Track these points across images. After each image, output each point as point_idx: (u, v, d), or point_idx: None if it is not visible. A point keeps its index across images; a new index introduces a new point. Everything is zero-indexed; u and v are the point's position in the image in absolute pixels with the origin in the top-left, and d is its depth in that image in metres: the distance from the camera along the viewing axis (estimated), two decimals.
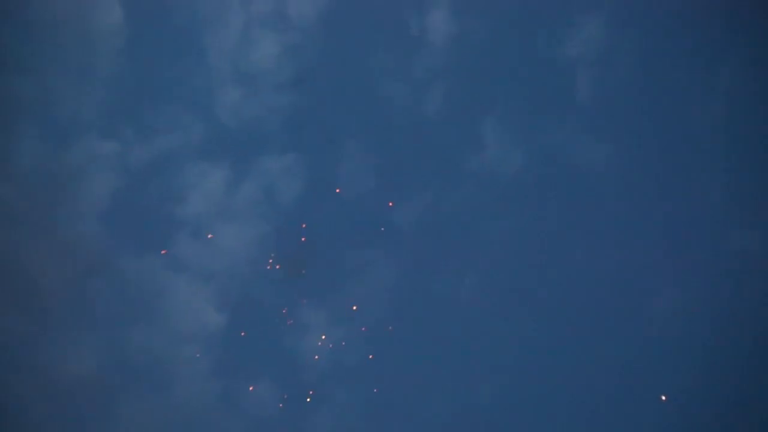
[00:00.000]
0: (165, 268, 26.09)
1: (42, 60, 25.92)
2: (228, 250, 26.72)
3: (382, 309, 26.29)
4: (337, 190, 23.90)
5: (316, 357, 25.30)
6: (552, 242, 26.62)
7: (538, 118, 27.06)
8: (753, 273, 24.84)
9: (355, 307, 24.55)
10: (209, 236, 23.70)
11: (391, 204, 24.11)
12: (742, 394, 23.21)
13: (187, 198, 26.75)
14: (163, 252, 24.54)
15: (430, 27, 27.28)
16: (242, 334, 25.48)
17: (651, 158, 26.64)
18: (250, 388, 24.32)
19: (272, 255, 25.80)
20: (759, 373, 23.23)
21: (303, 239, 24.95)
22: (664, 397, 23.72)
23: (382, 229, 26.81)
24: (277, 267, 25.42)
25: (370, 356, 25.27)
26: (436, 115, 27.36)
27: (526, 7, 27.06)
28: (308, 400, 24.99)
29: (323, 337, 25.33)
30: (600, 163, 26.65)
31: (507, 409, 24.96)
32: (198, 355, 25.18)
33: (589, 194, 26.86)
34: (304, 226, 24.83)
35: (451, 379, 25.53)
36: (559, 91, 27.02)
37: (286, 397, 25.15)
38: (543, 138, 26.93)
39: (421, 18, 27.29)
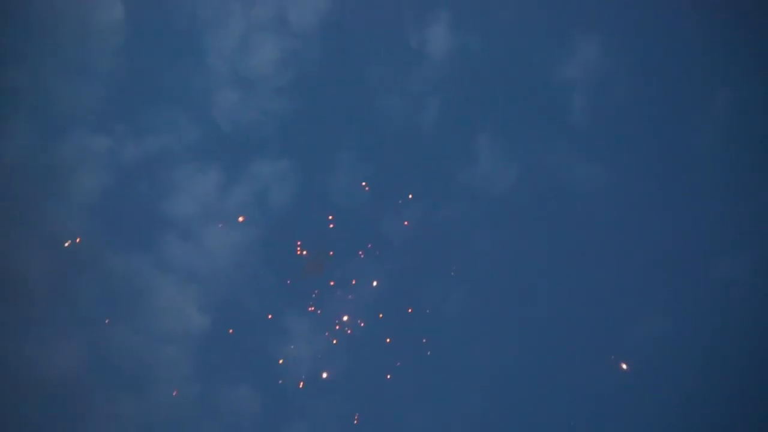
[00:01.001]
0: (151, 268, 25.91)
1: (39, 53, 25.87)
2: (215, 253, 26.60)
3: (370, 319, 26.22)
4: (363, 184, 23.71)
5: (335, 341, 25.12)
6: (539, 260, 26.69)
7: (533, 137, 27.28)
8: (738, 301, 24.98)
9: (362, 292, 24.15)
10: (240, 219, 23.40)
11: (411, 196, 24.04)
12: (726, 420, 23.22)
13: (178, 198, 26.65)
14: (240, 219, 24.12)
15: (430, 40, 27.53)
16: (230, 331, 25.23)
17: (642, 183, 26.85)
18: (280, 361, 23.94)
19: (299, 242, 25.61)
20: (743, 399, 23.27)
21: (331, 226, 24.76)
22: (624, 366, 23.74)
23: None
24: (305, 253, 25.24)
25: (387, 339, 25.04)
26: (432, 127, 27.58)
27: (525, 26, 27.34)
28: (325, 375, 24.73)
29: (344, 319, 25.07)
30: (591, 185, 26.84)
31: (488, 425, 24.83)
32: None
33: (579, 215, 26.97)
34: (330, 217, 24.69)
35: (433, 392, 25.44)
36: (554, 110, 27.25)
37: (305, 377, 24.85)
38: (536, 156, 27.13)
39: (420, 31, 27.54)
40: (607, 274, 25.97)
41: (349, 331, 25.77)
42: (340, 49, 27.72)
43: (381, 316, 26.12)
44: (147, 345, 25.15)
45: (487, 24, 27.55)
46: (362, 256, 26.63)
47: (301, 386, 24.57)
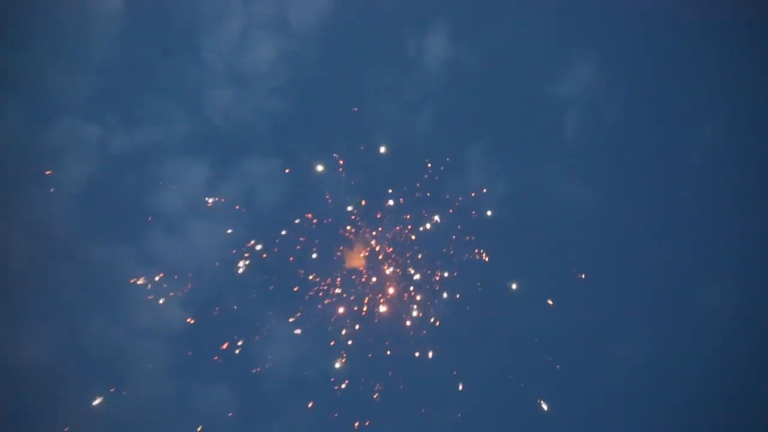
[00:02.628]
0: (133, 261, 25.65)
1: (33, 37, 25.57)
2: (200, 249, 26.35)
3: (351, 324, 26.10)
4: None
5: (362, 305, 24.89)
6: (524, 276, 26.74)
7: (524, 152, 27.47)
8: (717, 325, 25.33)
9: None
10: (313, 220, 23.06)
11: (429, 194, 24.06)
12: None
13: (165, 192, 26.41)
14: (363, 203, 23.71)
15: (427, 50, 27.64)
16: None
17: (629, 206, 27.08)
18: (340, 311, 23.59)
19: (349, 227, 25.47)
20: (721, 418, 23.60)
21: (390, 204, 24.51)
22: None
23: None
24: (366, 237, 25.11)
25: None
26: (424, 136, 27.65)
27: (523, 42, 27.57)
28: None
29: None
30: (579, 205, 27.05)
31: None
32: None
33: (566, 233, 27.11)
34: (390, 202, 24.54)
35: (409, 404, 25.37)
36: (547, 127, 27.49)
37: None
38: (526, 172, 27.32)
39: (418, 40, 27.65)
40: (591, 294, 26.18)
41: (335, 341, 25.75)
42: (338, 52, 27.74)
43: (361, 323, 26.11)
44: (125, 338, 24.88)
45: (485, 37, 27.76)
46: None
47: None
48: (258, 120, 27.41)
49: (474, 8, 27.55)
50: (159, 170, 26.57)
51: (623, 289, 26.06)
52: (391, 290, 26.42)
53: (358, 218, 26.75)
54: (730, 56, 25.77)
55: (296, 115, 27.70)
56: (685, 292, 25.71)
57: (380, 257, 26.64)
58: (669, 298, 25.73)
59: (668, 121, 27.19)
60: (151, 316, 25.32)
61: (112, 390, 24.13)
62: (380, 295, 26.27)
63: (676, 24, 26.52)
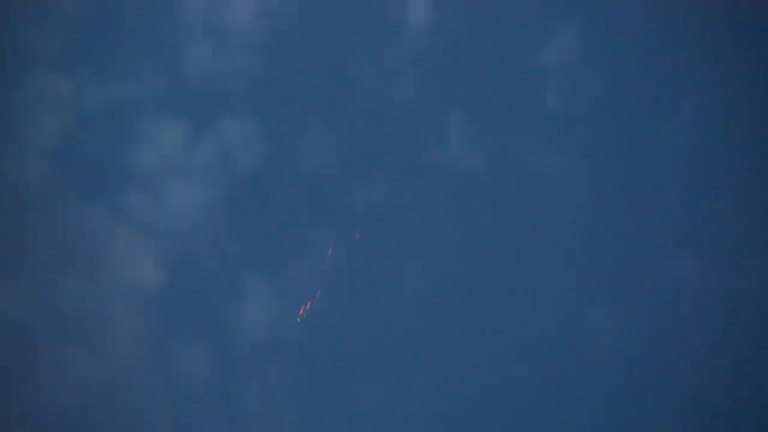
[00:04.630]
0: (108, 219, 25.23)
1: None
2: (175, 209, 26.04)
3: (326, 289, 26.29)
4: None
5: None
6: (499, 245, 27.06)
7: (505, 121, 27.52)
8: (684, 298, 26.15)
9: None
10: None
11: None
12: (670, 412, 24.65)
13: (140, 150, 25.85)
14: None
15: (410, 15, 27.23)
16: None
17: (605, 177, 27.42)
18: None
19: None
20: (686, 393, 24.71)
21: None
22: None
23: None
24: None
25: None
26: (404, 103, 27.44)
27: (507, 9, 27.39)
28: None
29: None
30: (558, 174, 27.30)
31: (439, 408, 25.40)
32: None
33: (543, 203, 27.37)
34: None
35: (386, 370, 25.83)
36: (528, 96, 27.52)
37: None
38: (507, 141, 27.41)
39: (401, 4, 27.22)
40: (563, 263, 26.65)
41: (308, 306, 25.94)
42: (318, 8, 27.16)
43: (336, 287, 26.35)
44: (99, 298, 24.66)
45: (468, 3, 27.48)
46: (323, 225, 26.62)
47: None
48: (236, 78, 26.89)
49: None
50: (133, 127, 26.00)
51: (595, 259, 26.66)
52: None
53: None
54: (712, 30, 26.00)
55: (274, 74, 27.22)
56: (655, 262, 26.41)
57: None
58: (639, 268, 26.40)
59: (648, 92, 27.47)
60: (125, 276, 25.11)
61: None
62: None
63: None
